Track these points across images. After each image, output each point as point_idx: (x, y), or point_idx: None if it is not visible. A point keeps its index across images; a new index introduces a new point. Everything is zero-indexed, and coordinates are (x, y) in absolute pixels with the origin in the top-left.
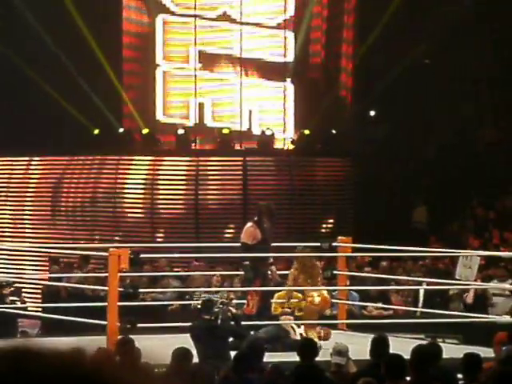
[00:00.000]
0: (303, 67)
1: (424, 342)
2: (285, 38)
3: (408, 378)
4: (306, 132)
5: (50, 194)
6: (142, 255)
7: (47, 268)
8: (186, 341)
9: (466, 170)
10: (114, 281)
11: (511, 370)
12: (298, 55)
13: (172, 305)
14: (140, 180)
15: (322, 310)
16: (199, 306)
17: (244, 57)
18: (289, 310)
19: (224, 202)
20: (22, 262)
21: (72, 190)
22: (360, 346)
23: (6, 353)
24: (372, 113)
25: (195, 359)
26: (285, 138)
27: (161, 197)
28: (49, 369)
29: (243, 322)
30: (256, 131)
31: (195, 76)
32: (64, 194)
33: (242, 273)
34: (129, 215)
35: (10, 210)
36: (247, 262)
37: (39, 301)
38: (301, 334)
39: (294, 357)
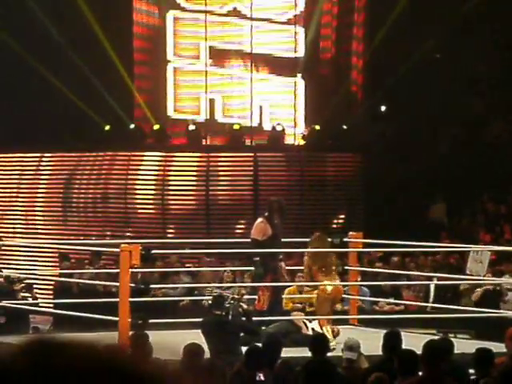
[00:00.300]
0: (313, 62)
1: (436, 338)
2: (295, 33)
3: (420, 373)
4: (317, 127)
5: (61, 190)
6: (153, 251)
7: (58, 264)
8: (197, 336)
9: (477, 165)
10: (125, 277)
11: None
12: (308, 50)
13: (183, 300)
14: (151, 176)
15: (335, 299)
16: (210, 302)
17: (254, 52)
18: (300, 306)
19: (234, 197)
20: (33, 258)
21: (83, 186)
22: (371, 342)
23: (29, 347)
24: (383, 108)
25: (206, 355)
26: (295, 133)
27: (172, 193)
28: (73, 361)
29: (254, 318)
30: (266, 127)
31: (206, 72)
32: (75, 190)
33: (253, 268)
34: (140, 211)
35: (22, 206)
36: (257, 258)
37: (51, 297)
38: (313, 329)
39: (304, 352)
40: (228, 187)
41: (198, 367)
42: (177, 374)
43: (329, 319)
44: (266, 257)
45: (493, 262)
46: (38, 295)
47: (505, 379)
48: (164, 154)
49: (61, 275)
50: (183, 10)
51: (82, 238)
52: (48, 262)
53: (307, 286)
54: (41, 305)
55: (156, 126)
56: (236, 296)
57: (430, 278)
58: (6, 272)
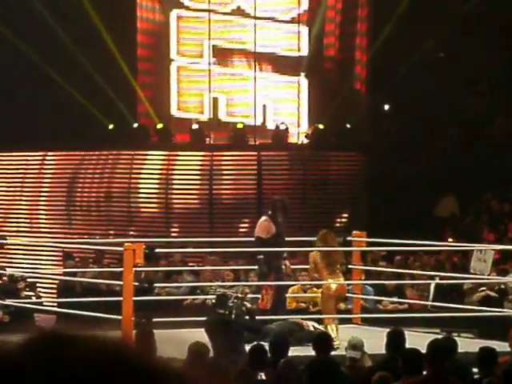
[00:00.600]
0: (317, 62)
1: (439, 337)
2: (299, 32)
3: (424, 373)
4: (320, 126)
5: (64, 189)
6: (156, 250)
7: (62, 263)
8: (201, 335)
9: (482, 163)
10: (129, 275)
11: None
12: (312, 49)
13: (187, 299)
14: (154, 175)
15: (339, 297)
16: (213, 301)
17: (258, 51)
18: (304, 305)
19: (238, 196)
20: (37, 257)
21: (87, 185)
22: (375, 340)
23: (39, 340)
24: (386, 107)
25: (211, 354)
26: (299, 132)
27: (175, 191)
28: (84, 354)
29: (258, 317)
30: (270, 126)
31: (209, 71)
32: (79, 189)
33: (257, 267)
34: (143, 210)
35: (25, 204)
36: (261, 256)
37: (54, 296)
38: (314, 327)
39: (308, 351)
40: (231, 186)
41: (202, 366)
42: (183, 370)
43: (334, 318)
44: (270, 255)
45: (497, 260)
46: (41, 294)
47: (508, 378)
48: (167, 152)
49: (65, 274)
50: (187, 8)
51: (85, 236)
52: (51, 260)
53: (310, 284)
54: (44, 303)
55: (159, 125)
56: (239, 295)
57: (433, 277)
58: (9, 271)
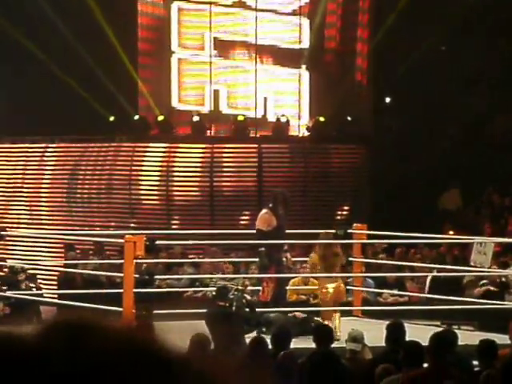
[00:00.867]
0: (318, 54)
1: (441, 329)
2: (300, 24)
3: (425, 365)
4: (321, 119)
5: (65, 181)
6: (157, 242)
7: (63, 255)
8: (201, 327)
9: (482, 157)
10: (129, 267)
11: None
12: (313, 42)
13: (187, 291)
14: (155, 167)
15: (338, 299)
16: (214, 293)
17: (259, 43)
18: (304, 297)
19: (239, 188)
20: (37, 248)
21: (88, 177)
22: (375, 333)
23: (60, 328)
24: (387, 99)
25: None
26: (300, 124)
27: (176, 184)
28: (105, 343)
29: (258, 309)
30: (271, 118)
31: (210, 63)
32: (80, 181)
33: (257, 260)
34: (144, 202)
35: (26, 196)
36: (262, 249)
37: (55, 287)
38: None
39: (308, 343)
40: (232, 178)
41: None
42: (204, 361)
43: (335, 313)
44: (271, 248)
45: (497, 253)
46: (41, 286)
47: (508, 371)
48: (168, 145)
49: (66, 266)
50: (188, 0)
51: (86, 228)
52: (52, 252)
53: (313, 280)
54: (45, 295)
55: (160, 117)
56: (240, 287)
57: (433, 270)
58: (10, 262)
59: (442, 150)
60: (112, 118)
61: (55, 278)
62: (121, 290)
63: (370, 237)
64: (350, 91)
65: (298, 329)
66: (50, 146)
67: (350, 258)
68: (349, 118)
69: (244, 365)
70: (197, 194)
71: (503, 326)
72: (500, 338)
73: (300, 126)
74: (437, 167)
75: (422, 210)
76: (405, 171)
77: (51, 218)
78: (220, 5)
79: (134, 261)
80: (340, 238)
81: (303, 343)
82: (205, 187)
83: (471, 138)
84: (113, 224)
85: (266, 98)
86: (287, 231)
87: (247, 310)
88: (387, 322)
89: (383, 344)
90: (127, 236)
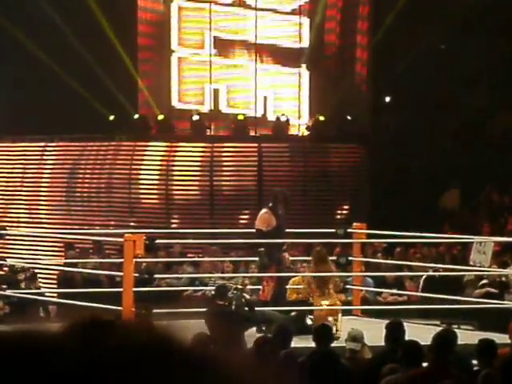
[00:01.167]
0: (318, 53)
1: (440, 329)
2: (300, 23)
3: (425, 364)
4: (321, 118)
5: (65, 180)
6: (157, 241)
7: (62, 254)
8: (201, 326)
9: (482, 157)
10: (129, 266)
11: None
12: (312, 41)
13: (187, 290)
14: (155, 166)
15: (331, 315)
16: (213, 292)
17: (259, 43)
18: (302, 296)
19: (238, 188)
20: (37, 247)
21: (87, 176)
22: (375, 332)
23: (77, 325)
24: (387, 99)
25: None
26: (300, 124)
27: (176, 183)
28: (124, 340)
29: (258, 308)
30: (271, 117)
31: (210, 62)
32: (79, 180)
33: (257, 259)
34: (144, 201)
35: (26, 195)
36: (262, 249)
37: (54, 286)
38: (311, 319)
39: (308, 342)
40: (232, 178)
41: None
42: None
43: (335, 312)
44: (271, 247)
45: (497, 252)
46: (41, 285)
47: (507, 370)
48: (168, 143)
49: (66, 265)
50: None
51: (85, 227)
52: (52, 251)
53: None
54: (45, 294)
55: (160, 116)
56: (239, 286)
57: (430, 269)
58: (10, 261)
59: (442, 150)
60: (112, 117)
61: (55, 276)
62: (120, 289)
63: (369, 236)
64: (349, 90)
65: (293, 326)
66: (50, 144)
67: (350, 258)
68: (349, 118)
69: (253, 365)
70: (196, 193)
71: (503, 325)
72: (499, 338)
73: (300, 125)
74: (436, 166)
75: (421, 210)
76: (405, 171)
77: (51, 216)
78: (220, 3)
79: (134, 260)
80: (340, 237)
81: (303, 342)
82: (204, 186)
83: (471, 137)
84: (112, 223)
85: (265, 97)
86: (287, 230)
87: (246, 309)
88: (386, 322)
89: (383, 343)
90: (127, 235)
